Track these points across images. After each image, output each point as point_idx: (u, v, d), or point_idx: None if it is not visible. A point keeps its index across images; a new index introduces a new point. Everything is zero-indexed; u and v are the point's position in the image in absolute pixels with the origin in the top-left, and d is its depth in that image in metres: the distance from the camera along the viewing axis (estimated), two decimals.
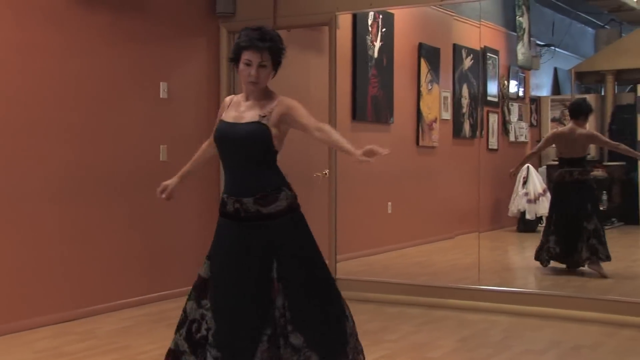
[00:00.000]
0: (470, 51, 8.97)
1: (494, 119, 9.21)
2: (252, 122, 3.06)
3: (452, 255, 8.03)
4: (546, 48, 9.86)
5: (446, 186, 8.55)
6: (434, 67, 8.63)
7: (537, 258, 6.79)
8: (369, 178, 7.63)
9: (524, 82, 9.67)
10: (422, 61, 8.47)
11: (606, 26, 10.13)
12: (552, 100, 9.69)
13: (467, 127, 9.09)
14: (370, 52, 7.74)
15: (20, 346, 4.55)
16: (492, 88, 9.29)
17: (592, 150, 7.80)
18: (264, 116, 3.06)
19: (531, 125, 9.66)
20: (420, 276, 6.72)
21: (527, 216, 8.63)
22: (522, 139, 9.53)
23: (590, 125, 7.44)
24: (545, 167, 8.64)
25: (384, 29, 7.89)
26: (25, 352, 4.44)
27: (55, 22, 5.13)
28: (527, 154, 7.49)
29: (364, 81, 7.64)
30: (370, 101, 7.74)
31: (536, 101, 9.76)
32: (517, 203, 8.65)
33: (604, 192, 8.47)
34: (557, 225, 6.64)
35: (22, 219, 4.93)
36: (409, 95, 8.35)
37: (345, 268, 6.34)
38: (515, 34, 9.23)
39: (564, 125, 6.87)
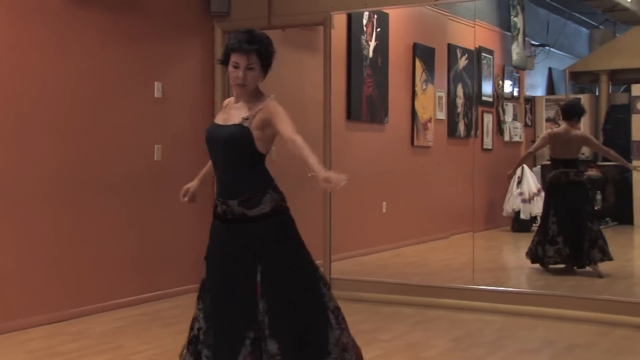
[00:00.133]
0: (464, 51, 8.98)
1: (488, 119, 9.22)
2: (235, 125, 3.06)
3: (447, 255, 8.03)
4: (541, 48, 9.89)
5: (441, 186, 8.56)
6: (429, 67, 8.64)
7: (534, 260, 6.79)
8: (363, 178, 7.63)
9: (518, 82, 9.69)
10: (417, 61, 8.47)
11: (600, 26, 10.16)
12: (547, 100, 9.71)
13: (461, 127, 9.10)
14: (365, 52, 7.74)
15: (14, 346, 4.54)
16: (487, 88, 9.30)
17: (587, 150, 7.81)
18: (246, 119, 3.05)
19: (526, 125, 9.68)
20: (415, 276, 6.73)
21: (522, 216, 8.65)
22: (516, 138, 9.54)
23: (584, 125, 7.46)
24: (539, 167, 8.65)
25: (378, 29, 7.89)
26: (18, 352, 4.43)
27: (49, 22, 5.12)
28: (524, 155, 7.50)
29: (358, 81, 7.64)
30: (365, 101, 7.75)
31: (531, 101, 9.78)
32: (512, 203, 8.67)
33: (599, 191, 8.50)
34: (562, 227, 6.64)
35: (15, 219, 4.92)
36: (403, 95, 8.36)
37: (340, 268, 6.34)
38: (509, 33, 9.24)
39: (559, 125, 6.87)
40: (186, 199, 3.40)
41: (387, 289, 5.93)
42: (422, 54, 8.52)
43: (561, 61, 10.05)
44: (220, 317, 3.07)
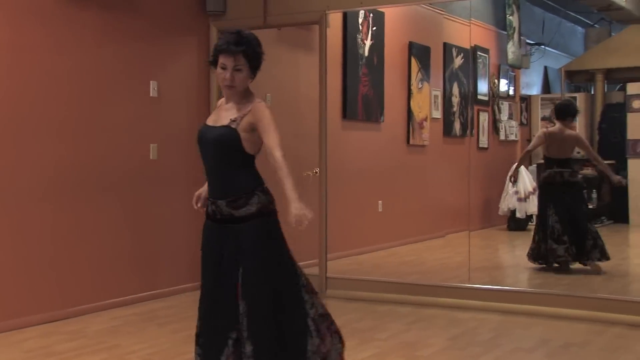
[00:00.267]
0: (460, 50, 8.98)
1: (484, 118, 9.24)
2: (223, 126, 3.06)
3: (443, 254, 8.04)
4: (536, 47, 9.90)
5: (437, 185, 8.57)
6: (425, 66, 8.64)
7: (538, 258, 6.78)
8: (359, 177, 7.64)
9: (514, 81, 9.71)
10: (413, 60, 8.48)
11: (596, 25, 10.18)
12: (542, 99, 9.73)
13: (457, 125, 9.11)
14: (360, 51, 7.74)
15: (10, 346, 4.54)
16: (483, 87, 9.32)
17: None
18: (234, 120, 3.05)
19: (521, 123, 9.69)
20: (411, 275, 6.73)
21: (518, 214, 8.66)
22: (512, 137, 9.56)
23: (580, 124, 7.48)
24: (535, 165, 8.66)
25: (374, 28, 7.89)
26: (14, 351, 4.42)
27: (45, 21, 5.11)
28: (522, 155, 7.48)
29: (354, 80, 7.64)
30: (361, 100, 7.75)
31: (526, 100, 9.80)
32: (508, 201, 8.69)
33: (594, 190, 8.52)
34: (564, 226, 6.64)
35: (10, 218, 4.91)
36: (399, 94, 8.36)
37: (336, 267, 6.34)
38: (505, 32, 9.25)
39: (554, 124, 6.88)
40: (199, 205, 3.37)
41: (383, 288, 5.93)
42: (418, 52, 8.53)
43: (557, 60, 10.07)
44: (207, 316, 3.12)
